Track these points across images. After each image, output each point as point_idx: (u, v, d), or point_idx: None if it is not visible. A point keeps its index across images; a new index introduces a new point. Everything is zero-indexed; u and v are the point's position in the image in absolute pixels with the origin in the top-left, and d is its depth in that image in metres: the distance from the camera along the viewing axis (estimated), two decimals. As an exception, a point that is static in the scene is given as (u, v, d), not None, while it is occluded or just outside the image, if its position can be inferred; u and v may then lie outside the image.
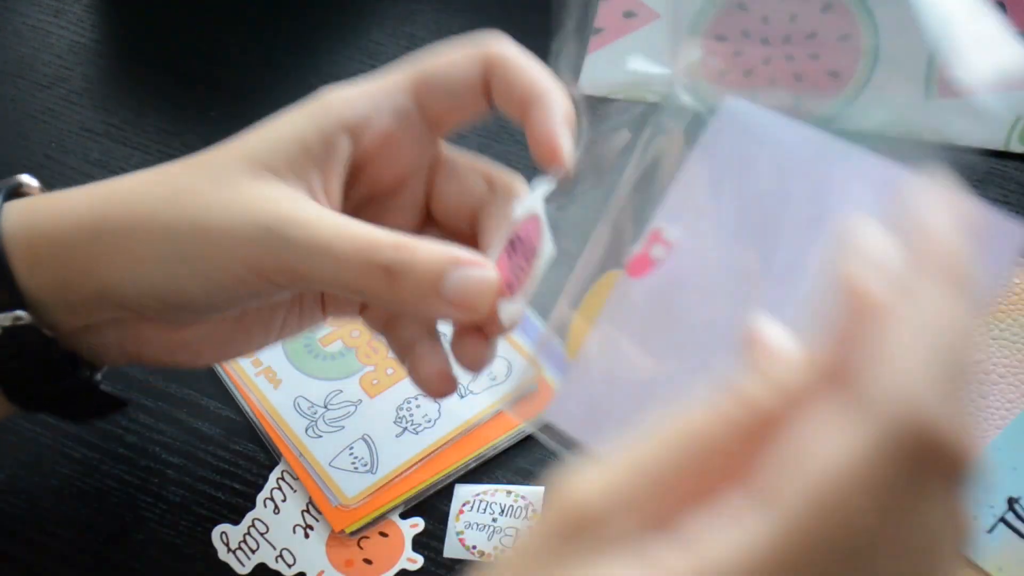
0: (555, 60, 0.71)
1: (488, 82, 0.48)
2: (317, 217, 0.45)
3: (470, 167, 0.50)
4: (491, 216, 0.48)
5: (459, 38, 0.74)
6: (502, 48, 0.48)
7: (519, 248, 0.45)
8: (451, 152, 0.51)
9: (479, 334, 0.46)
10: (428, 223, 0.51)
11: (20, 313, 0.46)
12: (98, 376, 0.50)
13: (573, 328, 0.44)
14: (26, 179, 0.51)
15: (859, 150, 0.42)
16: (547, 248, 0.44)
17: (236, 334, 0.50)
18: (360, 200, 0.49)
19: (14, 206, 0.48)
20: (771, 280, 0.40)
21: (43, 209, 0.48)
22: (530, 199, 0.46)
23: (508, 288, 0.44)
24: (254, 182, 0.45)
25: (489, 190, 0.49)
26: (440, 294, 0.43)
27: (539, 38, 0.72)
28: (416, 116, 0.48)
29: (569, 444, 0.41)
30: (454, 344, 0.47)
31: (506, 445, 0.58)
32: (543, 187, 0.46)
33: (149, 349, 0.49)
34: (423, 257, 0.44)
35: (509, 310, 0.44)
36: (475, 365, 0.47)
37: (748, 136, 0.42)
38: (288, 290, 0.47)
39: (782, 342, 0.31)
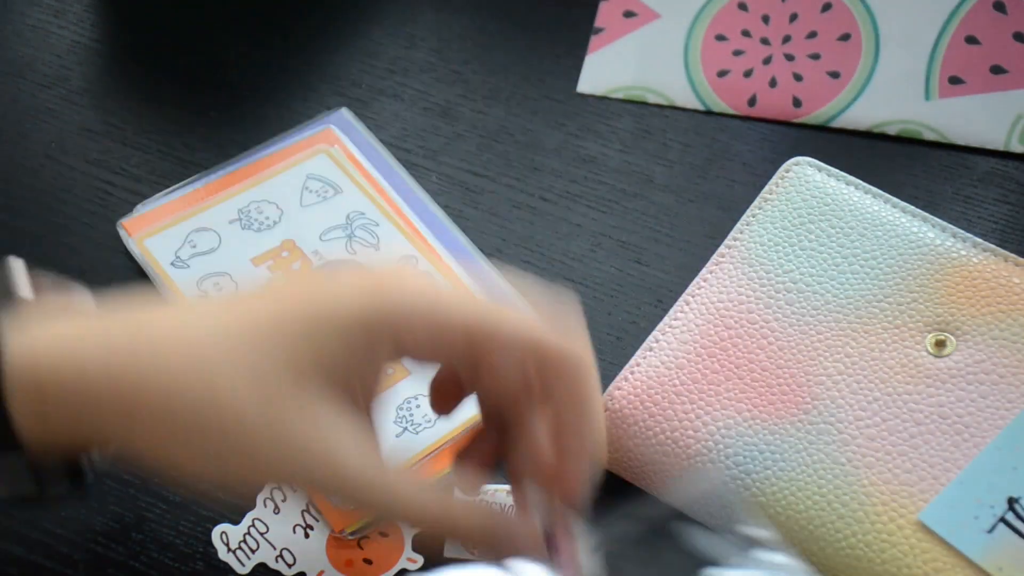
0: (554, 61, 0.71)
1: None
2: (362, 471, 0.45)
3: (513, 349, 0.45)
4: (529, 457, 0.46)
5: (458, 38, 0.74)
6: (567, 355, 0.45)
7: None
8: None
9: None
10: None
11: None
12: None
13: None
14: (21, 278, 0.46)
15: None
16: None
17: None
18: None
19: (21, 339, 0.43)
20: None
21: (56, 350, 0.43)
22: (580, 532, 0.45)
23: None
24: (297, 401, 0.43)
25: (527, 395, 0.46)
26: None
27: (538, 37, 0.72)
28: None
29: None
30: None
31: (506, 445, 0.58)
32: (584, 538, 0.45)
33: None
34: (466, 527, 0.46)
35: None
36: None
37: None
38: None
39: None
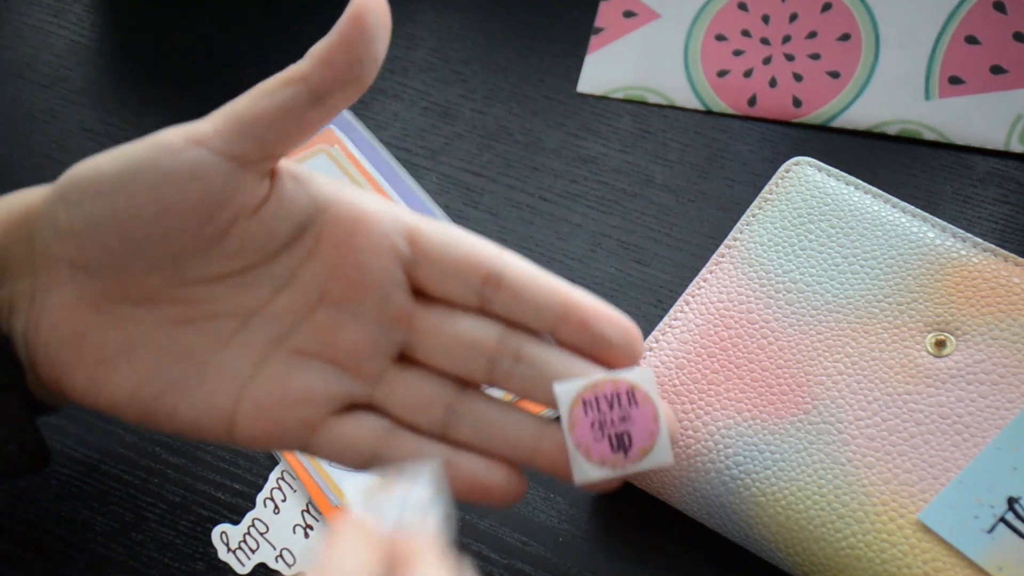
0: (553, 61, 0.71)
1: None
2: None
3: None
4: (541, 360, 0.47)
5: (458, 39, 0.74)
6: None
7: (605, 415, 0.43)
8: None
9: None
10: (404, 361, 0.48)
11: None
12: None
13: None
14: None
15: None
16: (663, 453, 0.43)
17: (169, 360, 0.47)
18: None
19: None
20: None
21: None
22: (636, 372, 0.44)
23: (583, 448, 0.43)
24: None
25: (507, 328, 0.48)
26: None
27: (538, 37, 0.72)
28: None
29: None
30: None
31: (506, 445, 0.58)
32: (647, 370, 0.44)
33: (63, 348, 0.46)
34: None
35: (585, 472, 0.42)
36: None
37: None
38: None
39: None
